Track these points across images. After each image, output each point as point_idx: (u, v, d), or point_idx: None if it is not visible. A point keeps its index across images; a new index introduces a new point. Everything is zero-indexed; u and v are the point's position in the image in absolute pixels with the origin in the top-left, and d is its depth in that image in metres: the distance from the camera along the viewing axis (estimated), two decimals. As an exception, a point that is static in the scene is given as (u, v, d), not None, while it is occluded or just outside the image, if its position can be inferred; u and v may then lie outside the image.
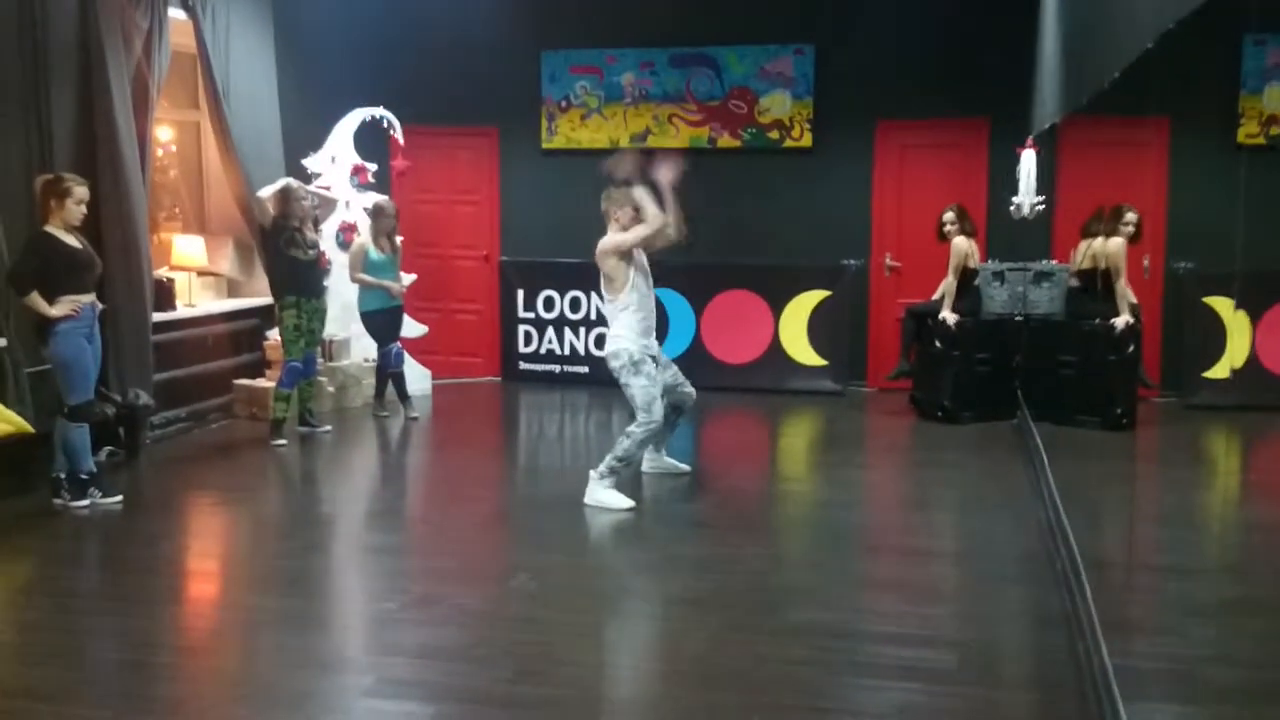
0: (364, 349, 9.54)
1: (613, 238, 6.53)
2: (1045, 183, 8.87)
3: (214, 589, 5.61)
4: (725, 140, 10.36)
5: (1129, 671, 3.94)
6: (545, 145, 10.72)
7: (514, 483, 7.65)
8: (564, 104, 10.63)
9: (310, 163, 9.56)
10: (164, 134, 9.28)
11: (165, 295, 8.32)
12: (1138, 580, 5.50)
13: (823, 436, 9.02)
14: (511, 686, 4.11)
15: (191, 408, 8.62)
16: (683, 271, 10.31)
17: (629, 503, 6.37)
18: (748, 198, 10.32)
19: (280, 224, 8.16)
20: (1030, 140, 8.52)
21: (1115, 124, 9.02)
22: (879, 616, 4.88)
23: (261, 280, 9.12)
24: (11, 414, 6.35)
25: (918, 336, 9.27)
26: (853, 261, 10.15)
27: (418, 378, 9.87)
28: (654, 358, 6.64)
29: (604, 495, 6.39)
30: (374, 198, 9.37)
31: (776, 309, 10.29)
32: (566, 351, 10.70)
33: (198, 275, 9.08)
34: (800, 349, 10.26)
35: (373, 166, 9.81)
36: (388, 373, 9.15)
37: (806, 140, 10.21)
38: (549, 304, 10.72)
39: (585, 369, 10.63)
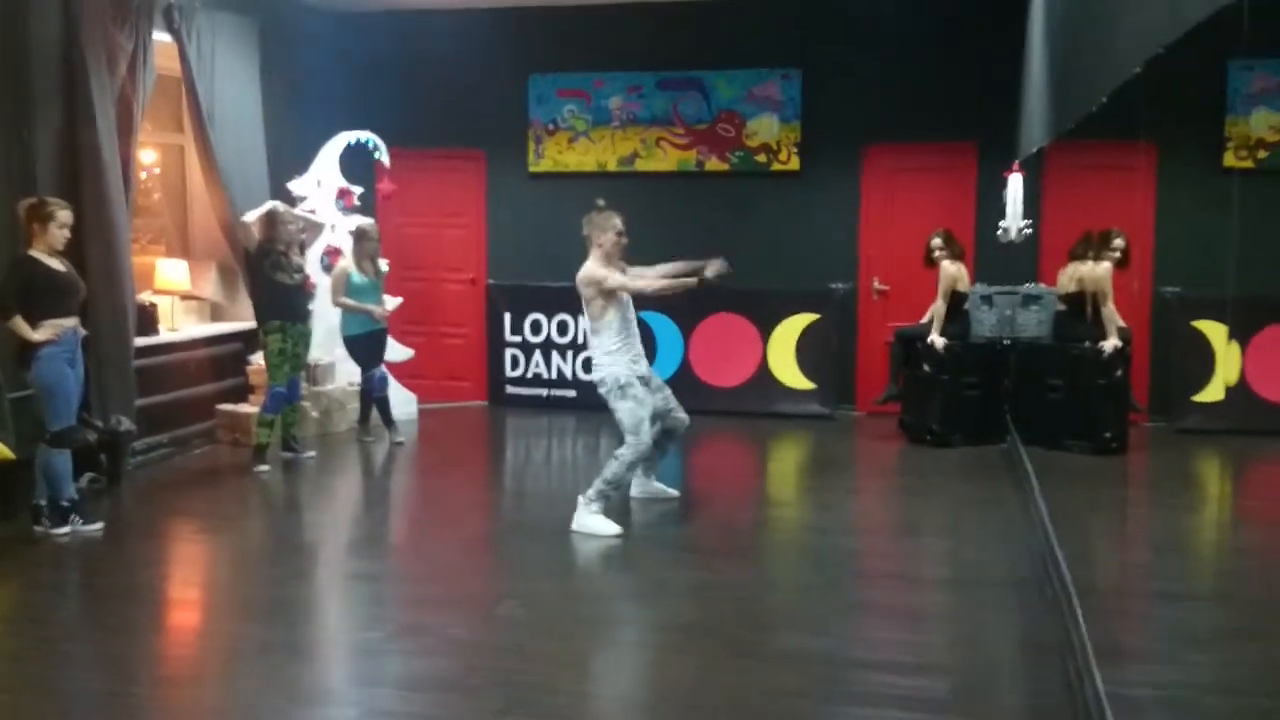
0: (348, 373, 9.47)
1: (595, 271, 6.48)
2: (1032, 207, 8.88)
3: (196, 618, 5.53)
4: (713, 164, 10.36)
5: (1122, 699, 3.90)
6: (532, 168, 10.70)
7: (501, 508, 7.58)
8: (551, 127, 10.62)
9: (295, 186, 9.52)
10: (147, 157, 9.23)
11: (148, 319, 8.24)
12: (1130, 607, 5.47)
13: (811, 460, 8.99)
14: (500, 718, 4.04)
15: (174, 433, 8.54)
16: (670, 295, 10.28)
17: (616, 529, 6.32)
18: (735, 221, 10.31)
19: (266, 248, 8.11)
20: (1017, 164, 8.53)
21: (1102, 148, 9.05)
22: (869, 643, 4.84)
23: (245, 304, 9.06)
24: (-8, 440, 6.28)
25: (906, 360, 9.25)
26: (841, 285, 10.14)
27: (403, 402, 9.82)
28: (644, 379, 6.60)
29: (591, 521, 6.34)
30: (359, 221, 9.34)
31: (765, 332, 10.27)
32: (554, 375, 10.66)
33: (181, 299, 9.01)
34: (789, 373, 10.23)
35: (358, 190, 9.77)
36: (372, 397, 9.09)
37: (794, 164, 10.22)
38: (536, 327, 10.68)
39: (573, 393, 10.58)
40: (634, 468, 6.58)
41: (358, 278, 8.87)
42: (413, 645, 4.76)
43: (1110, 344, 8.41)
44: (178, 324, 8.88)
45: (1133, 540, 6.67)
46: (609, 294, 6.48)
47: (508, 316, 10.74)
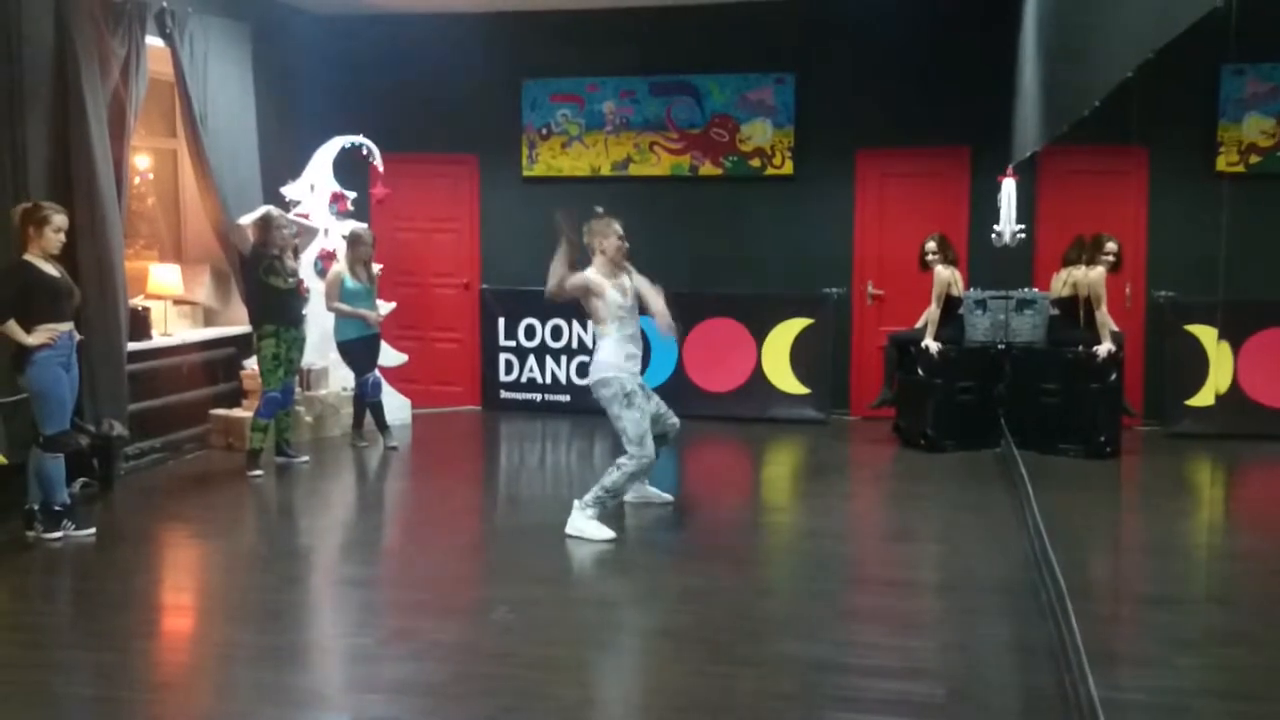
0: (342, 378, 9.46)
1: (584, 275, 6.56)
2: (1026, 211, 8.88)
3: (188, 623, 5.52)
4: (707, 168, 10.36)
5: (1115, 704, 3.90)
6: (526, 173, 10.70)
7: (494, 513, 7.57)
8: (545, 132, 10.62)
9: (289, 191, 9.51)
10: (141, 162, 9.22)
11: (141, 324, 8.23)
12: (1123, 611, 5.46)
13: (805, 465, 8.98)
14: (491, 723, 4.03)
15: (167, 438, 8.53)
16: (665, 299, 10.28)
17: (610, 534, 6.31)
18: (729, 226, 10.32)
19: (260, 252, 8.09)
20: (1010, 169, 8.54)
21: (1095, 153, 9.07)
22: (863, 648, 4.83)
23: (238, 309, 9.05)
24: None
25: (900, 365, 9.26)
26: (835, 290, 10.14)
27: (397, 407, 9.81)
28: (641, 387, 6.59)
29: (585, 525, 6.33)
30: (353, 225, 9.32)
31: (759, 337, 10.26)
32: (548, 380, 10.64)
33: (174, 304, 8.99)
34: (783, 377, 10.23)
35: (352, 194, 9.76)
36: (366, 402, 9.07)
37: (788, 168, 10.22)
38: (530, 332, 10.67)
39: (567, 398, 10.58)
40: (635, 479, 6.57)
41: (351, 283, 8.86)
42: (404, 650, 4.75)
43: (1104, 348, 8.42)
44: (171, 328, 8.86)
45: (1126, 544, 6.67)
46: (600, 295, 6.48)
47: (501, 321, 10.73)
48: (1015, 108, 8.38)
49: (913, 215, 9.98)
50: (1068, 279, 8.75)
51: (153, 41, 8.09)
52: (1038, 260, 9.62)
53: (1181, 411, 9.38)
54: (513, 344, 10.73)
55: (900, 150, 10.05)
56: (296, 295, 8.36)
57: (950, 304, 8.98)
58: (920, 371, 8.97)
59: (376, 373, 9.09)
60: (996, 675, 4.61)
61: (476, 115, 10.64)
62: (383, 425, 9.08)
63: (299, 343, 8.32)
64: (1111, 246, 8.70)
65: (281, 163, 9.60)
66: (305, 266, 9.20)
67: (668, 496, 7.15)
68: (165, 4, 8.11)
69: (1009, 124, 8.72)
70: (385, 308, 9.46)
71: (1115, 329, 8.63)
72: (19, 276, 6.13)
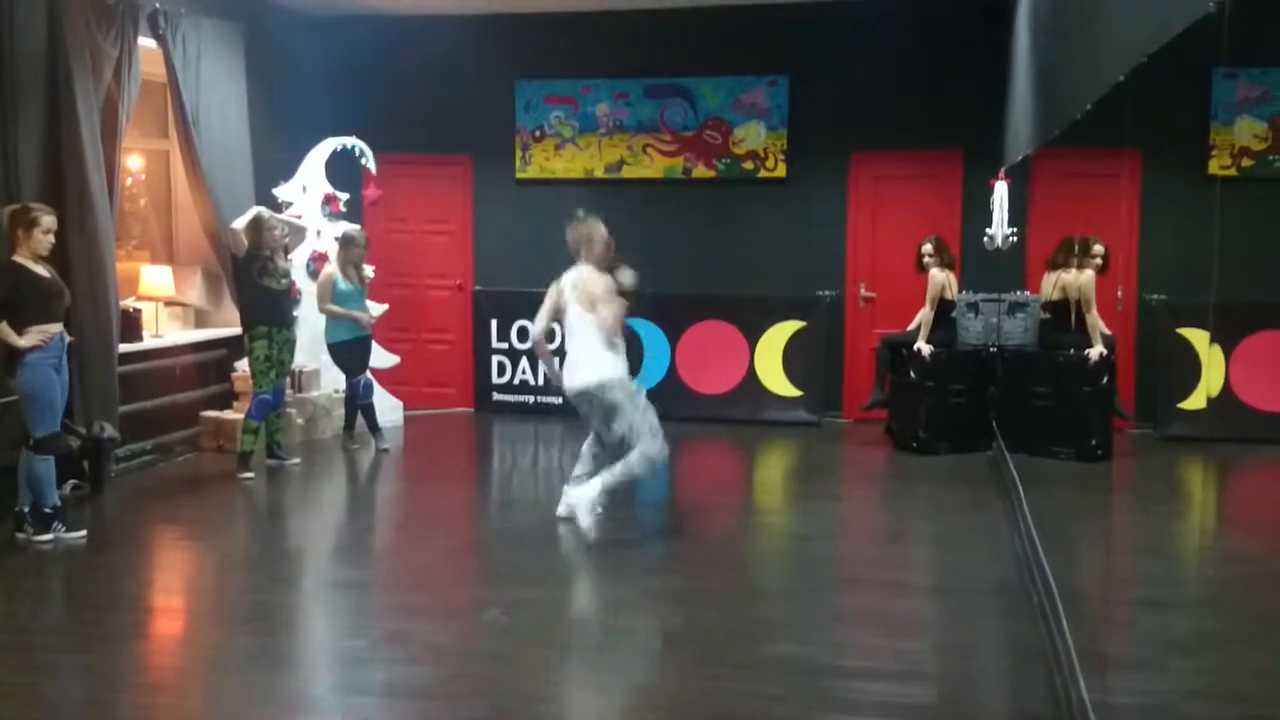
0: (333, 380, 9.44)
1: (603, 284, 6.49)
2: (1018, 214, 8.90)
3: (179, 626, 5.49)
4: (700, 170, 10.36)
5: (1107, 707, 3.90)
6: (519, 175, 10.69)
7: (486, 515, 7.55)
8: (538, 134, 10.61)
9: (281, 192, 9.50)
10: (133, 163, 9.19)
11: (132, 325, 8.21)
12: (1114, 614, 5.46)
13: (798, 467, 8.98)
14: (482, 726, 4.03)
15: (157, 440, 8.50)
16: (658, 302, 10.29)
17: (593, 535, 6.22)
18: (722, 228, 10.33)
19: (253, 254, 8.07)
20: (1003, 172, 8.56)
21: (1087, 156, 9.08)
22: (855, 651, 4.83)
23: (229, 310, 9.03)
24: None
25: (892, 367, 9.27)
26: (827, 292, 10.15)
27: (389, 409, 9.79)
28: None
29: (585, 516, 6.23)
30: (345, 227, 9.31)
31: (751, 339, 10.27)
32: (540, 382, 10.63)
33: (165, 305, 8.98)
34: (775, 380, 10.23)
35: (344, 195, 9.74)
36: (358, 404, 9.05)
37: (781, 171, 10.23)
38: (523, 334, 10.64)
39: (559, 400, 10.55)
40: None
41: (343, 284, 8.84)
42: (396, 653, 4.74)
43: (1095, 351, 8.44)
44: (162, 330, 8.84)
45: (1117, 547, 6.67)
46: (613, 303, 6.43)
47: (494, 323, 10.72)
48: (1008, 111, 8.40)
49: (905, 218, 10.00)
50: (1056, 282, 8.75)
51: (145, 42, 8.07)
52: (1030, 263, 9.63)
53: (1173, 414, 9.39)
54: (505, 346, 10.72)
55: (893, 153, 10.06)
56: (289, 296, 8.34)
57: (944, 307, 8.99)
58: (913, 374, 8.98)
59: (368, 375, 9.07)
60: (988, 677, 4.61)
61: (470, 117, 10.63)
62: (374, 427, 9.07)
63: (290, 344, 8.30)
64: (1099, 249, 8.72)
65: (274, 164, 9.58)
66: (297, 268, 9.19)
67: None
68: (158, 5, 8.09)
69: (1002, 127, 8.74)
70: (377, 309, 9.45)
71: (1106, 332, 8.65)
72: (9, 278, 6.11)
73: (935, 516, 7.22)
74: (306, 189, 9.58)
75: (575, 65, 10.49)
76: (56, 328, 6.27)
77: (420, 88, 10.53)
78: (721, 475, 8.87)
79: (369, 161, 9.84)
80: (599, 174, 10.50)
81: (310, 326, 9.07)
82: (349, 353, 8.93)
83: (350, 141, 9.76)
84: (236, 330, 8.61)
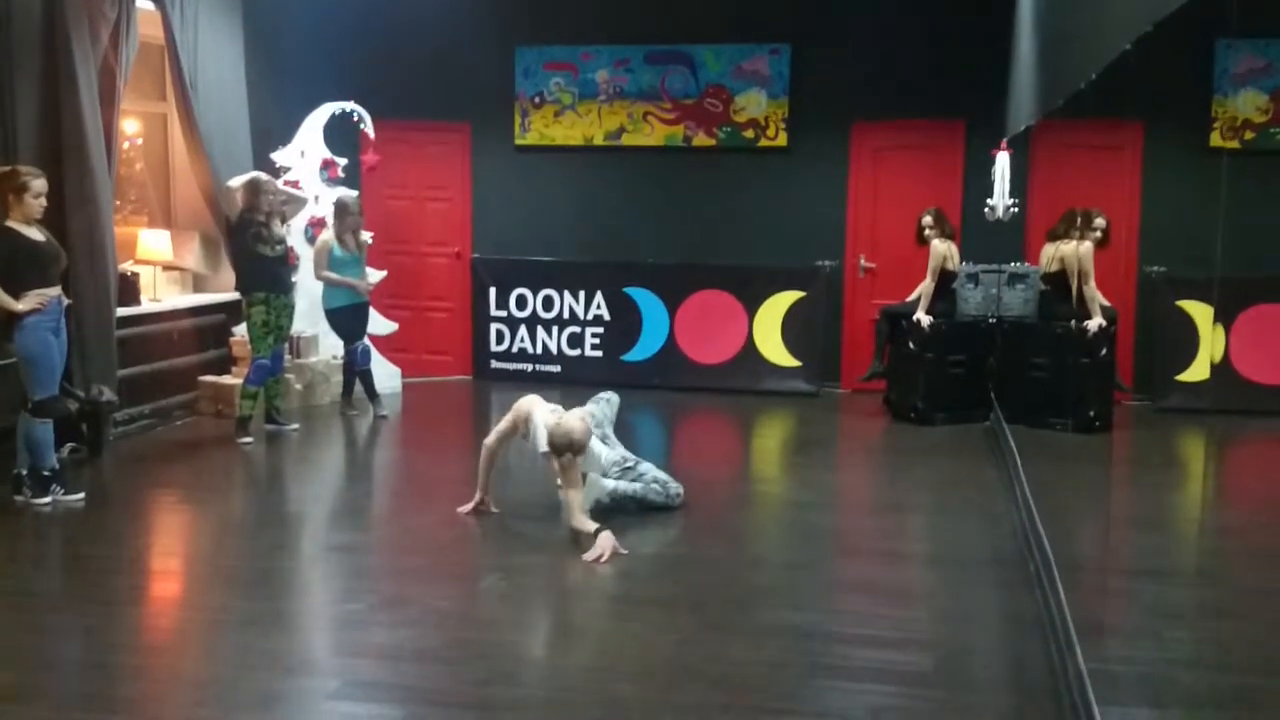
0: (332, 346, 9.43)
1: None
2: (1019, 185, 8.87)
3: (177, 589, 5.51)
4: (700, 139, 10.32)
5: (1103, 675, 3.92)
6: (518, 142, 10.64)
7: (458, 509, 7.54)
8: (538, 100, 10.56)
9: (279, 156, 9.45)
10: (130, 126, 9.15)
11: (130, 290, 8.19)
12: (1111, 583, 5.49)
13: (796, 438, 8.99)
14: (481, 688, 4.04)
15: (156, 404, 8.50)
16: (657, 271, 10.29)
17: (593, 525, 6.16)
18: (722, 197, 10.29)
19: (247, 219, 8.03)
20: (1005, 143, 8.52)
21: (1089, 127, 9.05)
22: (852, 618, 4.85)
23: (228, 275, 9.01)
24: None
25: (891, 338, 9.26)
26: (827, 262, 10.13)
27: (387, 376, 9.78)
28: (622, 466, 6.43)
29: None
30: (341, 193, 9.27)
31: (751, 309, 10.25)
32: (539, 350, 10.63)
33: (163, 269, 8.95)
34: (774, 350, 10.23)
35: (343, 161, 9.70)
36: (356, 371, 9.05)
37: (782, 140, 10.19)
38: (521, 302, 10.65)
39: (557, 368, 10.57)
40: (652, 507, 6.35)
41: (339, 251, 8.81)
42: (395, 617, 4.75)
43: (1095, 323, 8.43)
44: (160, 294, 8.82)
45: (1114, 518, 6.68)
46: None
47: (493, 291, 10.70)
48: (1011, 81, 8.36)
49: (906, 188, 9.96)
50: (1055, 254, 8.74)
51: (143, 4, 8.01)
52: (1030, 234, 9.60)
53: (1172, 387, 9.40)
54: (504, 314, 10.71)
55: (895, 123, 10.02)
56: (285, 262, 8.32)
57: (945, 278, 8.98)
58: (912, 345, 8.98)
59: (366, 341, 9.06)
60: (984, 645, 4.63)
61: (469, 82, 10.56)
62: (373, 394, 9.06)
63: (288, 310, 8.29)
64: (1100, 221, 8.70)
65: (272, 128, 9.54)
66: (295, 234, 9.17)
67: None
68: (155, -34, 8.03)
69: (1004, 97, 8.70)
70: (375, 276, 9.43)
71: (1106, 304, 8.64)
72: (2, 244, 6.07)
73: (933, 487, 7.24)
74: (305, 154, 9.53)
75: (575, 31, 10.42)
76: (54, 291, 6.25)
77: (419, 53, 10.44)
78: (719, 445, 8.88)
79: (367, 126, 9.79)
80: (599, 141, 10.45)
81: (309, 293, 9.05)
82: (346, 319, 8.92)
83: (348, 106, 9.71)
84: (234, 295, 8.59)
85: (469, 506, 6.35)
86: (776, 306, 10.20)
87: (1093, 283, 8.49)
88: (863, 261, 10.24)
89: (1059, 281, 8.69)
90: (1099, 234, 8.67)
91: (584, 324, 10.52)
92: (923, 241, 9.08)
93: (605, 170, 10.52)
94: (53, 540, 5.99)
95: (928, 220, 9.06)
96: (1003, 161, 8.52)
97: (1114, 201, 9.25)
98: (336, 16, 10.29)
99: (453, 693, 4.01)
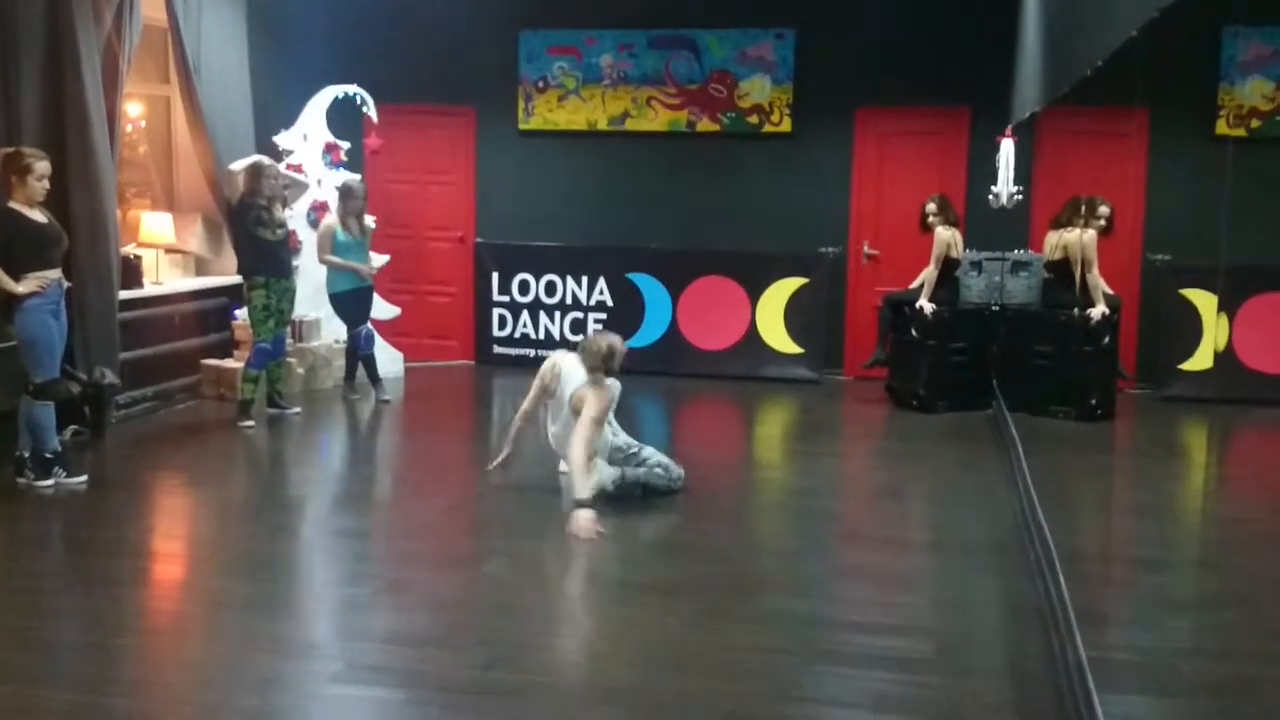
0: (334, 330, 9.42)
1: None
2: (1023, 172, 8.84)
3: (179, 571, 5.52)
4: (704, 124, 10.29)
5: (1103, 663, 3.92)
6: (522, 126, 10.61)
7: (486, 467, 7.55)
8: (541, 84, 10.52)
9: (282, 140, 9.43)
10: (133, 109, 9.13)
11: (132, 272, 8.19)
12: (1112, 572, 5.49)
13: (798, 424, 8.99)
14: (483, 673, 4.05)
15: (158, 387, 8.50)
16: (660, 257, 10.28)
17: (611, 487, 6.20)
18: (726, 183, 10.27)
19: (248, 203, 8.02)
20: (1009, 129, 8.49)
21: (1094, 114, 9.01)
22: (853, 605, 4.85)
23: (230, 258, 9.00)
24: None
25: (894, 325, 9.25)
26: (831, 249, 10.11)
27: (390, 360, 9.78)
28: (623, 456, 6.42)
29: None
30: (345, 176, 9.26)
31: (753, 295, 10.23)
32: (541, 335, 10.62)
33: (165, 252, 8.95)
34: (777, 336, 10.21)
35: (346, 144, 9.68)
36: (358, 355, 9.04)
37: (786, 125, 10.15)
38: (524, 287, 10.63)
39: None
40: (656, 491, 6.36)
41: (342, 235, 8.80)
42: (397, 601, 4.76)
43: (1097, 311, 8.42)
44: (162, 277, 8.82)
45: (1116, 506, 6.69)
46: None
47: (495, 276, 10.69)
48: (1016, 67, 8.32)
49: (911, 175, 9.94)
50: (1058, 242, 8.72)
51: (146, -14, 7.99)
52: (1035, 222, 9.57)
53: (1175, 375, 9.38)
54: (506, 299, 10.69)
55: (899, 109, 9.99)
56: (286, 246, 8.31)
57: (948, 265, 8.96)
58: (914, 332, 8.96)
59: (369, 325, 9.05)
60: (985, 633, 4.63)
61: (473, 67, 10.53)
62: (375, 378, 9.06)
63: (290, 293, 8.28)
64: (1104, 210, 8.68)
65: (275, 111, 9.52)
66: (298, 218, 9.16)
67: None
68: (158, -52, 8.01)
69: (1009, 84, 8.67)
70: (378, 260, 9.41)
71: (1109, 292, 8.62)
72: (4, 225, 6.06)
73: (934, 474, 7.24)
74: (307, 137, 9.52)
75: (579, 15, 10.38)
76: (54, 274, 6.24)
77: (422, 36, 10.41)
78: (722, 431, 8.88)
79: (370, 110, 9.77)
80: (602, 126, 10.43)
81: (311, 277, 9.05)
82: (349, 303, 8.91)
83: (351, 89, 9.69)
84: (237, 278, 8.58)
85: (498, 460, 6.61)
86: (779, 293, 10.18)
87: (1096, 271, 8.47)
88: (866, 248, 10.22)
89: (1062, 269, 8.67)
90: (1103, 222, 8.66)
91: (587, 309, 10.51)
92: (926, 228, 9.06)
93: (609, 155, 10.50)
94: (54, 523, 6.00)
95: (931, 207, 9.04)
96: (1007, 148, 8.49)
97: (1118, 189, 9.21)
98: (340, -1, 10.27)
99: (454, 677, 4.02)
